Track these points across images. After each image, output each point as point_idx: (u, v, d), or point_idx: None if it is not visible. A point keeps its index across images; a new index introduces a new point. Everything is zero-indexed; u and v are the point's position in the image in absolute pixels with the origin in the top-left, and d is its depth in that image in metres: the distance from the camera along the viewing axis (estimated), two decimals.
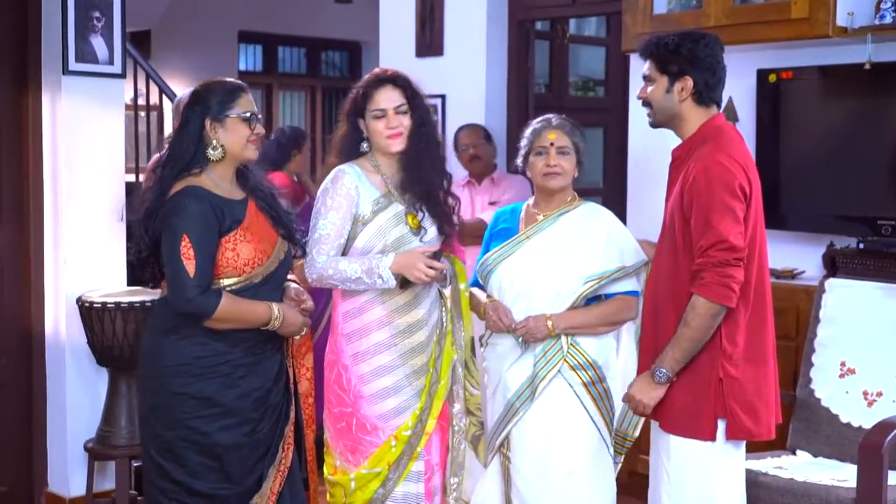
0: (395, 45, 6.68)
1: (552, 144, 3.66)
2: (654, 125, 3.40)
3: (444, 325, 3.70)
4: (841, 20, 4.45)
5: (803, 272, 4.76)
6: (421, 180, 3.64)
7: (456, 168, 6.00)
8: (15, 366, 4.89)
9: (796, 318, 4.48)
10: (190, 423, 3.31)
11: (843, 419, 4.05)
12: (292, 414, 3.52)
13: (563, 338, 3.58)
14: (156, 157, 3.47)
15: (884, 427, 3.51)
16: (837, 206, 4.71)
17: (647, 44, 3.35)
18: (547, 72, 7.12)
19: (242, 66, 10.96)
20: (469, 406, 3.76)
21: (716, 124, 3.29)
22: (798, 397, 4.20)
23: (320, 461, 3.75)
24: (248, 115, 3.38)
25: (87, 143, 4.80)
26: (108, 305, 4.52)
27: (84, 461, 4.73)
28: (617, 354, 3.75)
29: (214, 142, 3.35)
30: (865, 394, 4.04)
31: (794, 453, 4.13)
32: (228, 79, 3.48)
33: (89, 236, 4.82)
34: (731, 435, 3.20)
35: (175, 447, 3.33)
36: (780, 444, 4.10)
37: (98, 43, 4.77)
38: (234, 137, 3.37)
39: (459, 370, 3.71)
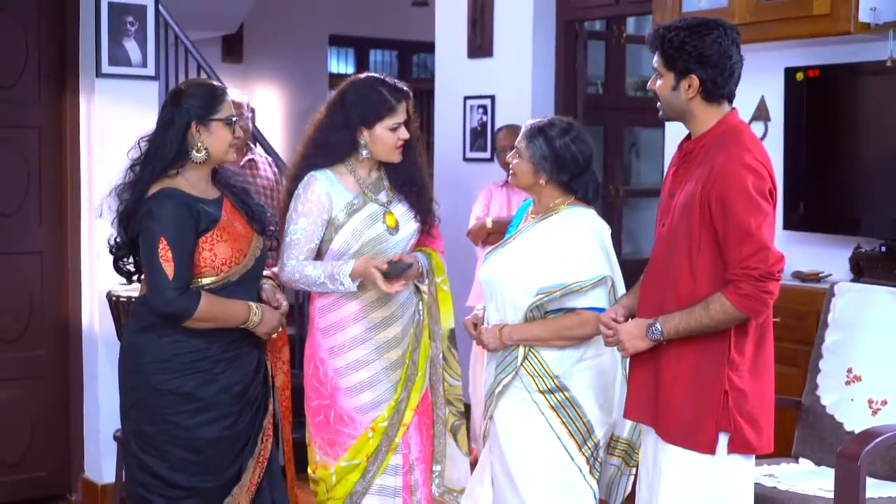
0: (449, 47, 6.72)
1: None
2: (663, 119, 3.25)
3: (422, 318, 3.75)
4: (864, 16, 4.33)
5: (829, 275, 4.62)
6: (407, 178, 3.72)
7: (496, 169, 6.00)
8: (53, 357, 5.10)
9: (816, 322, 4.32)
10: (171, 419, 3.38)
11: (847, 427, 3.88)
12: (271, 406, 3.58)
13: (521, 347, 3.50)
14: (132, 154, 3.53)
15: (864, 437, 3.36)
16: (865, 207, 4.56)
17: (655, 35, 3.14)
18: (603, 72, 7.03)
19: (333, 69, 11.11)
20: (448, 396, 3.81)
21: (732, 123, 3.12)
22: (804, 404, 4.06)
23: (298, 454, 3.81)
24: (232, 119, 3.45)
25: (120, 143, 4.89)
26: (133, 299, 4.68)
27: (115, 449, 4.90)
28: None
29: (199, 144, 3.40)
30: (870, 402, 3.87)
31: (796, 461, 4.00)
32: (211, 81, 3.53)
33: None
34: (734, 449, 3.07)
35: (156, 442, 3.40)
36: (786, 451, 3.99)
37: (132, 46, 4.95)
38: (217, 141, 3.42)
39: (437, 362, 3.76)
